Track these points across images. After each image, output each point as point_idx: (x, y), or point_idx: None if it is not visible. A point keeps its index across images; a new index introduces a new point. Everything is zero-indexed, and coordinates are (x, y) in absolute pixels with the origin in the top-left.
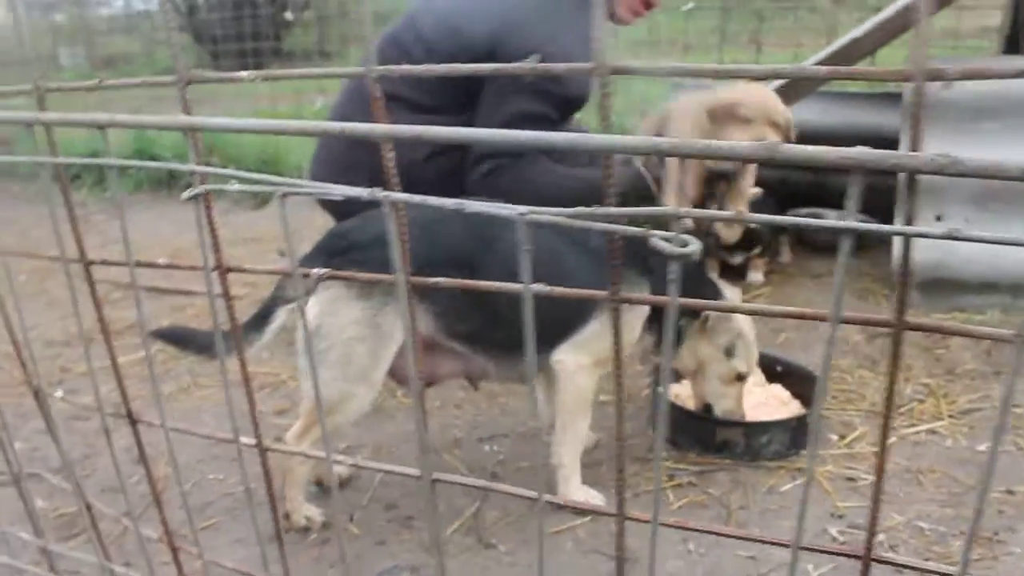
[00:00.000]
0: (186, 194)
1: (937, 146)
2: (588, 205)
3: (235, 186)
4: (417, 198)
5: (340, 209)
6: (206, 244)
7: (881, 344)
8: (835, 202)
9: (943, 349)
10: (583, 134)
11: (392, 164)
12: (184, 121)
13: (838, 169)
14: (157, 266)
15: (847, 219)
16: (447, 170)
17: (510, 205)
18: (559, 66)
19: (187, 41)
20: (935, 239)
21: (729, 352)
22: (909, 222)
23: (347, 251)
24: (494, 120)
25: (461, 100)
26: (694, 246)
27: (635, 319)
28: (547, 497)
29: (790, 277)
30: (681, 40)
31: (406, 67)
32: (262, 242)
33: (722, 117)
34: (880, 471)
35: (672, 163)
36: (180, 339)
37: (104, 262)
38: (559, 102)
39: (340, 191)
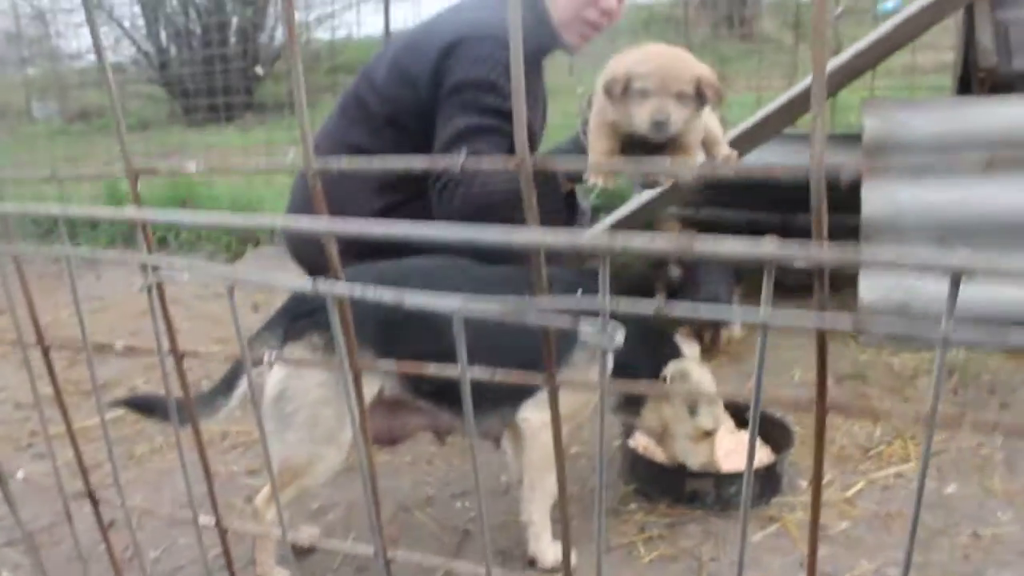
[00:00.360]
0: (138, 286)
1: (898, 185)
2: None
3: (185, 276)
4: (359, 289)
5: (315, 266)
6: (160, 331)
7: (850, 387)
8: (803, 242)
9: (911, 390)
10: (510, 227)
11: (336, 256)
12: (135, 215)
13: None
14: (112, 350)
15: (763, 314)
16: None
17: (448, 294)
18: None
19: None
20: (894, 284)
21: (692, 410)
22: (823, 309)
23: (311, 313)
24: (442, 139)
25: (419, 146)
26: (619, 337)
27: (595, 375)
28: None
29: None
30: None
31: (346, 163)
32: (235, 296)
33: (617, 94)
34: (813, 550)
35: (591, 133)
36: (144, 407)
37: (62, 346)
38: (508, 117)
39: (285, 283)
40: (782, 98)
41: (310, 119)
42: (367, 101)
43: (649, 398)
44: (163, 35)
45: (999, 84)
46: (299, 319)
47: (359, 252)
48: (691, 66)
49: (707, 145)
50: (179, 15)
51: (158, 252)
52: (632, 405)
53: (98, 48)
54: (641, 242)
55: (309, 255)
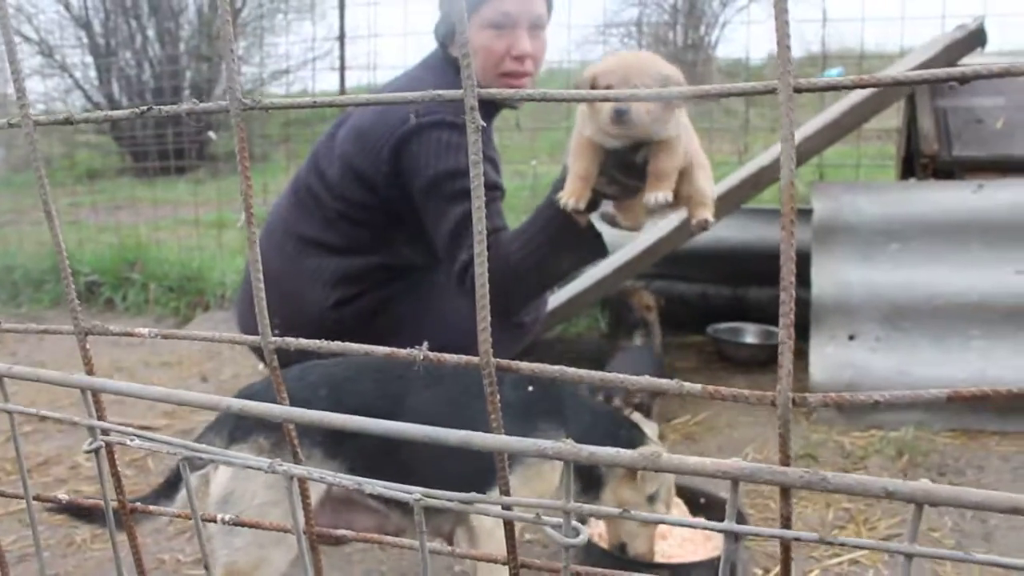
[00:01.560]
0: (86, 447)
1: (848, 266)
2: (549, 253)
3: (136, 442)
4: (316, 473)
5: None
6: (107, 491)
7: (803, 466)
8: (755, 316)
9: (862, 471)
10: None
11: (294, 436)
12: (84, 381)
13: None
14: (55, 501)
15: (729, 522)
16: (363, 313)
17: (404, 487)
18: None
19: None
20: (845, 362)
21: (652, 499)
22: (787, 526)
23: None
24: (445, 233)
25: (376, 238)
26: (583, 536)
27: (550, 470)
28: None
29: (711, 397)
30: None
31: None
32: (183, 366)
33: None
34: None
35: (570, 154)
36: (81, 512)
37: (2, 493)
38: (492, 185)
39: (240, 460)
40: (739, 174)
41: (263, 174)
42: (319, 195)
43: (609, 480)
44: (115, 87)
45: (940, 170)
46: (245, 419)
47: (311, 335)
48: (658, 66)
49: (692, 206)
50: (132, 68)
51: (105, 315)
52: (591, 490)
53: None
54: (607, 455)
55: (251, 332)
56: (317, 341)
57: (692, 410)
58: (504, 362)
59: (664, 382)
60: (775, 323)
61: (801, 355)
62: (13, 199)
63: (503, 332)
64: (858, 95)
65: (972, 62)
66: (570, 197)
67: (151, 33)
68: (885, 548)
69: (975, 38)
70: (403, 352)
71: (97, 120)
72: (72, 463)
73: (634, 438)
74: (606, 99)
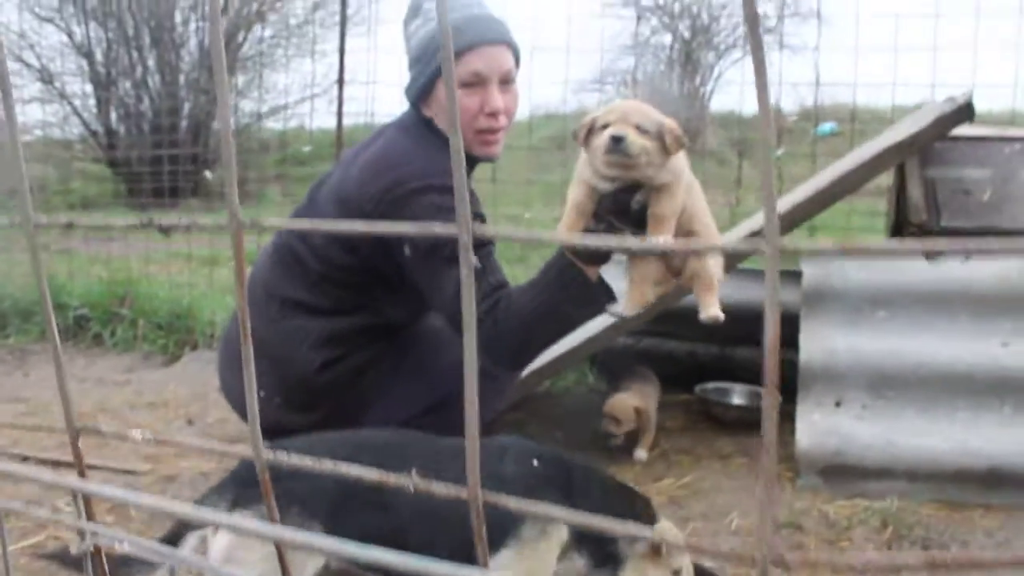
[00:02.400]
0: (75, 550)
1: (835, 332)
2: (562, 306)
3: (125, 546)
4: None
5: (243, 408)
6: None
7: (787, 535)
8: (742, 375)
9: (846, 542)
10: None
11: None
12: (75, 484)
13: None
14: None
15: None
16: (349, 373)
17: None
18: None
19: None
20: (830, 430)
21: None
22: None
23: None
24: (448, 294)
25: (360, 299)
26: None
27: (546, 548)
28: None
29: (697, 460)
30: None
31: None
32: (168, 408)
33: (582, 137)
34: None
35: (569, 191)
36: (73, 561)
37: None
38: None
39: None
40: (732, 237)
41: (257, 208)
42: (302, 257)
43: (630, 558)
44: (113, 115)
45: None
46: (250, 487)
47: (300, 404)
48: (655, 113)
49: (699, 288)
50: (130, 97)
51: (93, 351)
52: (606, 566)
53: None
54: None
55: (241, 403)
56: (309, 461)
57: (676, 473)
58: (492, 496)
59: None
60: (761, 383)
61: (788, 418)
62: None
63: (486, 388)
64: (849, 163)
65: (960, 133)
66: (564, 228)
67: (151, 64)
68: None
69: (963, 112)
70: (393, 478)
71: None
72: (54, 505)
73: (652, 514)
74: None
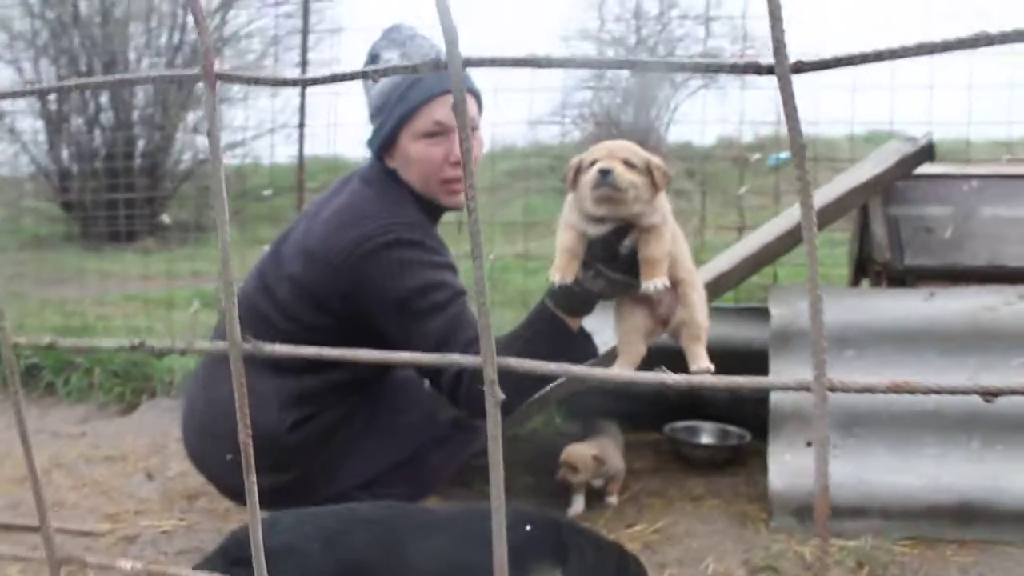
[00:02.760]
0: None
1: (804, 372)
2: (546, 359)
3: None
4: None
5: (219, 478)
6: None
7: None
8: (711, 413)
9: None
10: None
11: None
12: None
13: None
14: None
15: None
16: (321, 432)
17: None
18: None
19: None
20: (803, 469)
21: None
22: None
23: (250, 559)
24: (427, 348)
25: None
26: None
27: None
28: None
29: (670, 502)
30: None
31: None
32: (127, 461)
33: (570, 180)
34: None
35: (558, 235)
36: None
37: None
38: (461, 291)
39: None
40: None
41: (216, 244)
42: (268, 315)
43: None
44: (65, 152)
45: (893, 278)
46: (237, 565)
47: (271, 465)
48: (641, 150)
49: (687, 339)
50: (83, 134)
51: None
52: None
53: None
54: None
55: (208, 466)
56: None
57: (649, 518)
58: None
59: None
60: (730, 421)
61: (762, 456)
62: None
63: (458, 439)
64: (815, 203)
65: (920, 171)
66: (556, 272)
67: (104, 100)
68: None
69: (924, 153)
70: None
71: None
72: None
73: (643, 574)
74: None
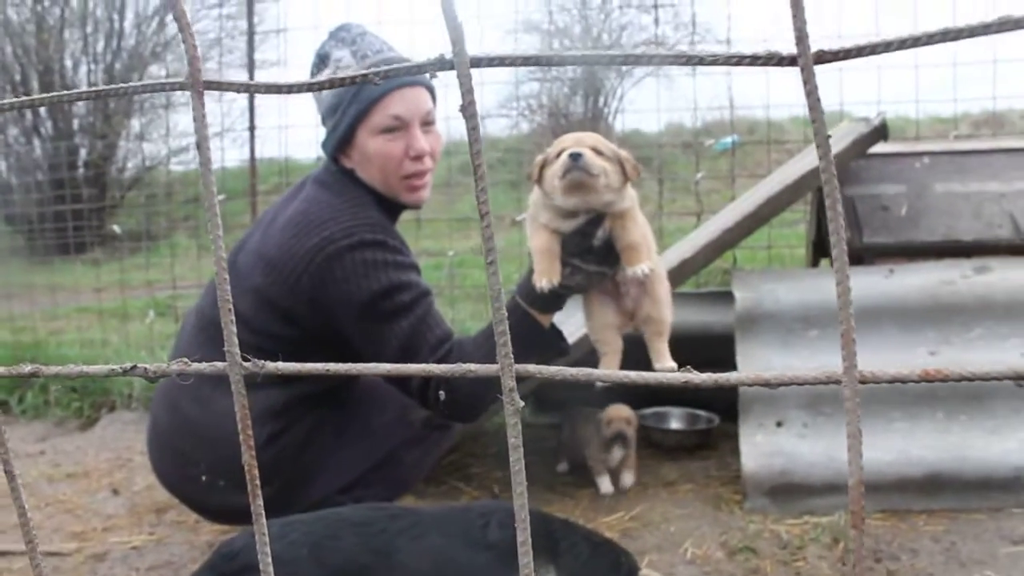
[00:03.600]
0: None
1: (771, 353)
2: (519, 356)
3: None
4: None
5: (190, 498)
6: None
7: (743, 560)
8: (677, 399)
9: (801, 561)
10: None
11: None
12: None
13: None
14: None
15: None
16: (292, 445)
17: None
18: None
19: None
20: (775, 450)
21: None
22: None
23: (239, 573)
24: (394, 349)
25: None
26: None
27: None
28: None
29: (644, 488)
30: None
31: None
32: (91, 478)
33: (536, 175)
34: None
35: (530, 238)
36: None
37: None
38: (426, 291)
39: None
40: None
41: (169, 255)
42: (235, 301)
43: None
44: (3, 164)
45: (852, 256)
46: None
47: (240, 483)
48: (608, 142)
49: (650, 335)
50: (21, 144)
51: None
52: None
53: None
54: None
55: (180, 488)
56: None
57: (626, 506)
58: None
59: None
60: (698, 406)
61: (732, 438)
62: None
63: (431, 438)
64: (774, 186)
65: (873, 150)
66: (542, 276)
67: (42, 111)
68: None
69: (879, 133)
70: None
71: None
72: None
73: (633, 566)
74: None
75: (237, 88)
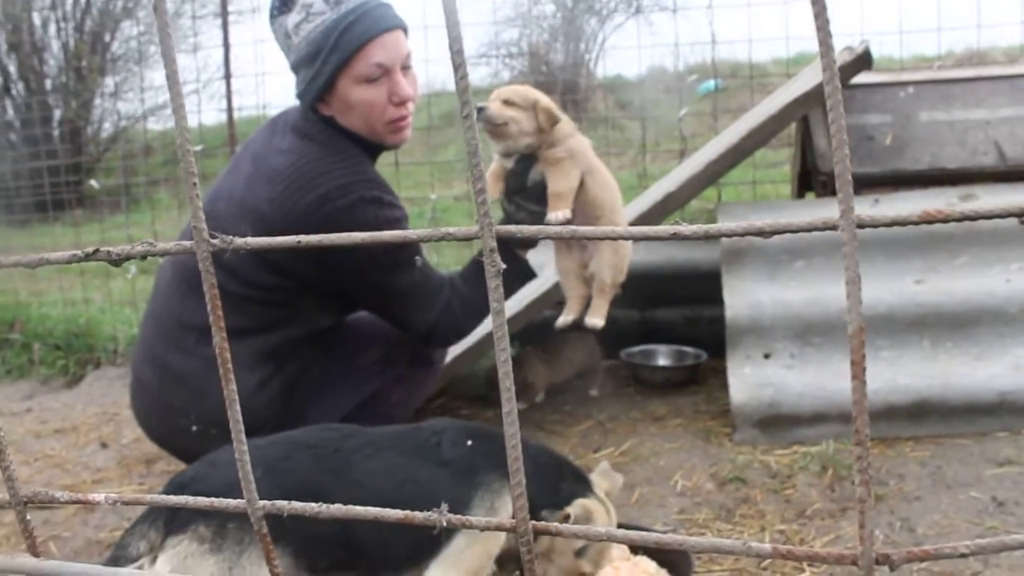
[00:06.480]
0: None
1: (757, 286)
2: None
3: None
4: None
5: (181, 449)
6: None
7: (733, 490)
8: (664, 337)
9: (791, 489)
10: None
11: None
12: (30, 566)
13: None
14: None
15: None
16: (282, 388)
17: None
18: None
19: None
20: (763, 382)
21: (580, 553)
22: None
23: None
24: (399, 302)
25: (286, 313)
26: None
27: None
28: None
29: (634, 424)
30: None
31: None
32: (79, 432)
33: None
34: None
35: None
36: None
37: None
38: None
39: None
40: (645, 200)
41: (149, 212)
42: (222, 282)
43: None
44: None
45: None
46: (179, 509)
47: (245, 430)
48: (534, 93)
49: (594, 291)
50: None
51: None
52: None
53: None
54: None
55: (169, 440)
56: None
57: (615, 441)
58: (542, 525)
59: (728, 543)
60: (685, 342)
61: (719, 373)
62: None
63: (423, 375)
64: (757, 117)
65: (857, 80)
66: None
67: (13, 71)
68: None
69: (862, 61)
70: (420, 516)
71: None
72: None
73: (574, 492)
74: None
75: None
